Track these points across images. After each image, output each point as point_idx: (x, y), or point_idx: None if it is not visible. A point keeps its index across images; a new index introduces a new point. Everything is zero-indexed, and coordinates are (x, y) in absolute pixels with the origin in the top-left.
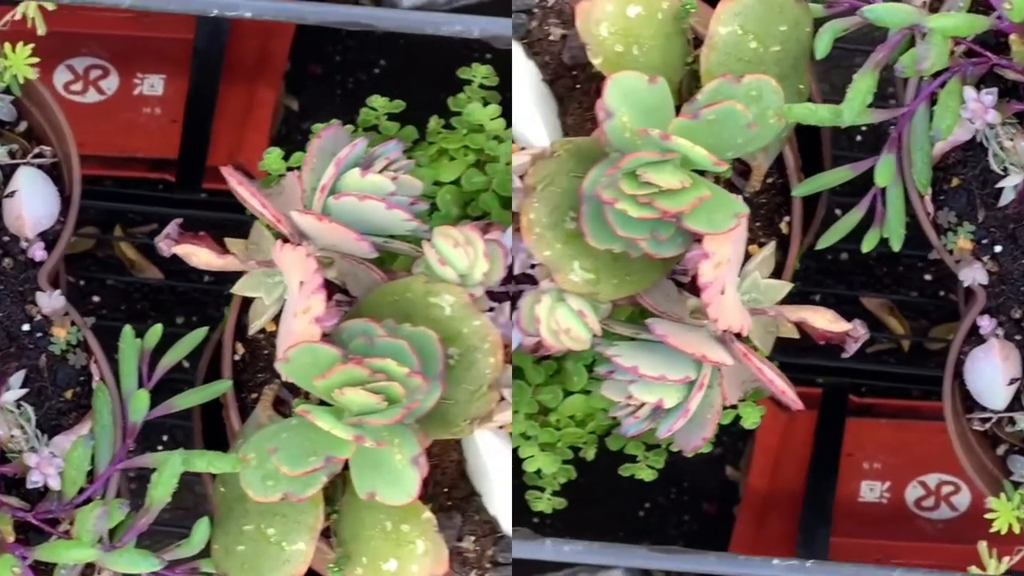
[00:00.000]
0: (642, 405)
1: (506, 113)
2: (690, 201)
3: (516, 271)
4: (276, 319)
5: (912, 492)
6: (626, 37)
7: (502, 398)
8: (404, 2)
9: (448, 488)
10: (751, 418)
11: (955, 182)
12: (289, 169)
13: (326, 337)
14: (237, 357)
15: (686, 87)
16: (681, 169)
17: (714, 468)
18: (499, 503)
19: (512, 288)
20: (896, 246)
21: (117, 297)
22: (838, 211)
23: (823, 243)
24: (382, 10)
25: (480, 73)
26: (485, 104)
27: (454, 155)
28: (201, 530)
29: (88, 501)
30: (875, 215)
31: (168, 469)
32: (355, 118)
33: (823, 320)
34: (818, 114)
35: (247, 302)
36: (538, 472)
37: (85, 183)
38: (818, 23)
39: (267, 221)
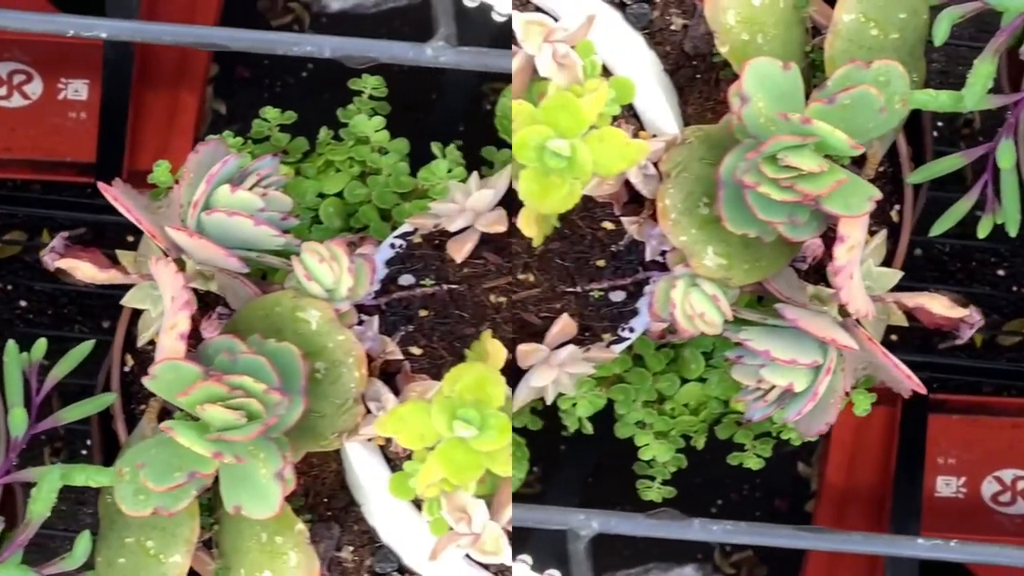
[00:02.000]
0: (771, 389)
1: (391, 126)
2: (829, 184)
3: (648, 257)
4: None
5: (988, 487)
6: (751, 25)
7: (368, 411)
8: (333, 4)
9: (328, 498)
10: (862, 405)
11: None
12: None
13: (192, 353)
14: (127, 368)
15: (805, 75)
16: (817, 153)
17: (786, 464)
18: (376, 513)
19: (641, 275)
20: (1012, 231)
21: (44, 302)
22: None
23: (935, 230)
24: (237, 30)
25: (370, 84)
26: (374, 115)
27: (340, 167)
28: (82, 544)
29: None
30: (985, 202)
31: (47, 484)
32: (282, 124)
33: (940, 306)
34: (939, 100)
35: (137, 314)
36: (648, 462)
37: (12, 188)
38: (934, 11)
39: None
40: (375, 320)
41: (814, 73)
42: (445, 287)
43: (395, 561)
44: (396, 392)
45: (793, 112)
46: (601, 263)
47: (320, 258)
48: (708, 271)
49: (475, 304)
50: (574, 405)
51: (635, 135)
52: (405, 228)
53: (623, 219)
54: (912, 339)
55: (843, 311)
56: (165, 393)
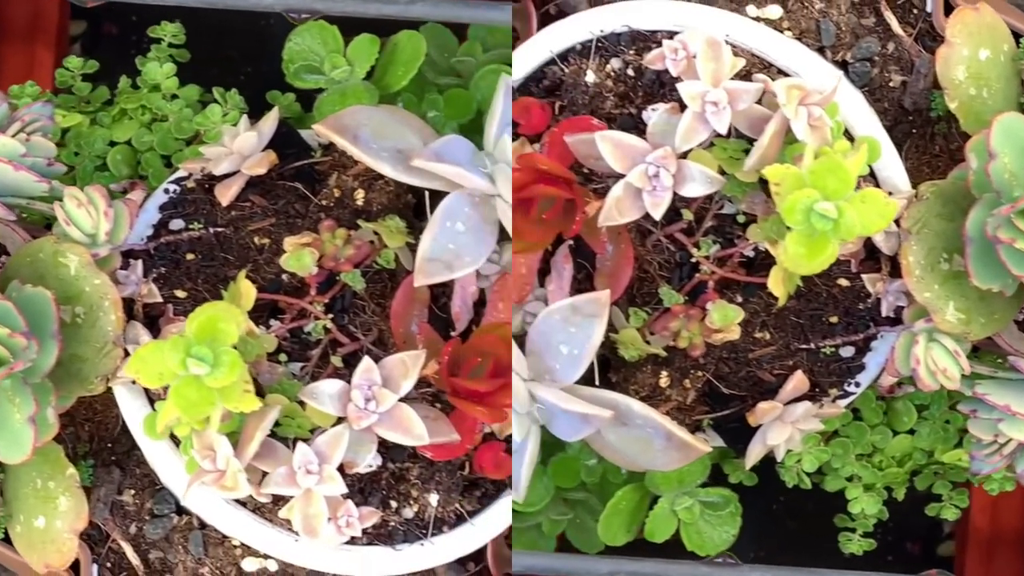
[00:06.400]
0: (1007, 443)
1: (182, 73)
2: None
3: (883, 313)
4: None
5: None
6: (978, 80)
7: (127, 353)
8: None
9: (111, 443)
10: None
11: None
12: None
13: None
14: None
15: None
16: None
17: (919, 508)
18: (150, 455)
19: (872, 330)
20: None
21: None
22: None
23: None
24: None
25: (168, 31)
26: (173, 62)
27: (132, 115)
28: None
29: None
30: None
31: None
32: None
33: None
34: None
35: None
36: (850, 514)
37: None
38: None
39: None
40: (139, 264)
41: None
42: (212, 230)
43: (173, 502)
44: (158, 335)
45: None
46: (834, 319)
47: (79, 203)
48: (949, 326)
49: (240, 247)
50: (798, 461)
51: None
52: (179, 173)
53: (864, 276)
54: None
55: None
56: None
